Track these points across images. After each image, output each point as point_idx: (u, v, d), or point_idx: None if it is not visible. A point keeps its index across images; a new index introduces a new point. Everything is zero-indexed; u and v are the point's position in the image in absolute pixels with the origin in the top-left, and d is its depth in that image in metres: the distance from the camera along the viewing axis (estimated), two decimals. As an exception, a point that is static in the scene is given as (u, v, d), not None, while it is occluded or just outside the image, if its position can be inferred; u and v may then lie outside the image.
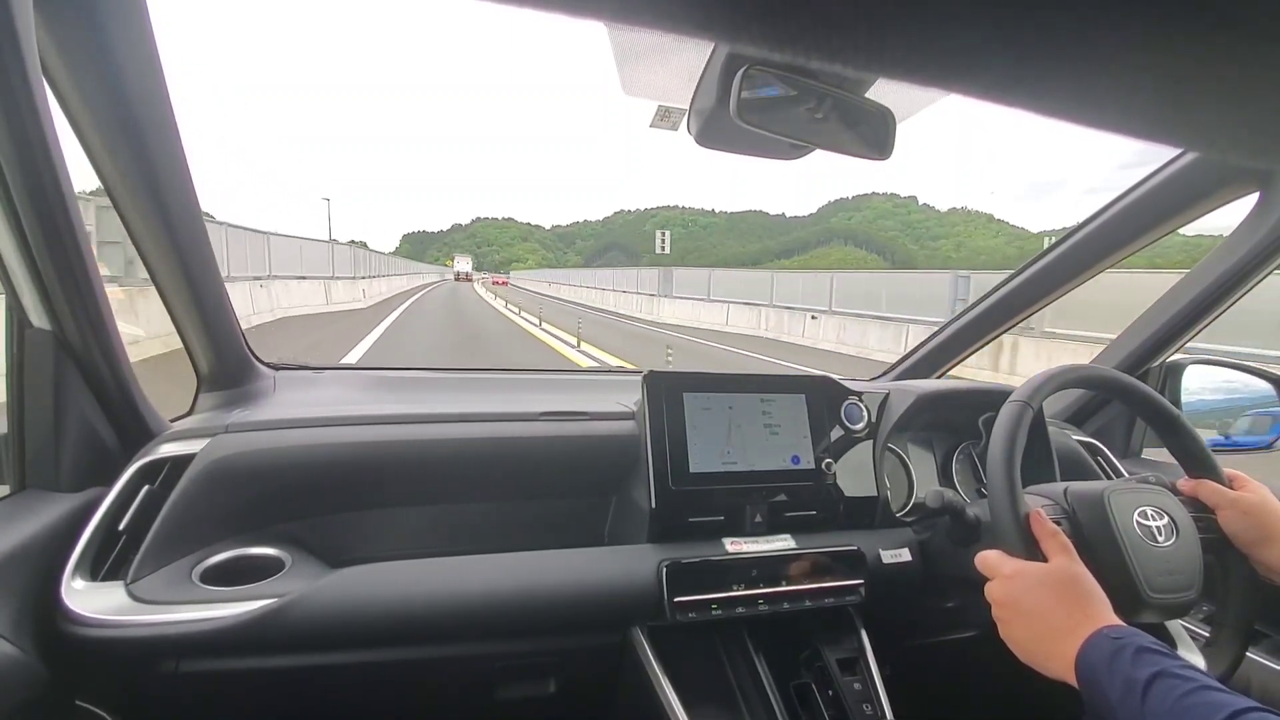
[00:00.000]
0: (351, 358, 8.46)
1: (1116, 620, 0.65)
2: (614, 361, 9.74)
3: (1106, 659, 0.60)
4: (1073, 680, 0.62)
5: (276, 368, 1.19)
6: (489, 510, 1.01)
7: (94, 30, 0.72)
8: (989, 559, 0.76)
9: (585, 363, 9.44)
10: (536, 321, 15.94)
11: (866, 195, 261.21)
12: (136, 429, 0.90)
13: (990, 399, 1.13)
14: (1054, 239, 1.31)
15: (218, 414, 1.01)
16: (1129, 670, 0.58)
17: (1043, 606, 0.68)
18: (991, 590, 0.74)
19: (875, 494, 1.06)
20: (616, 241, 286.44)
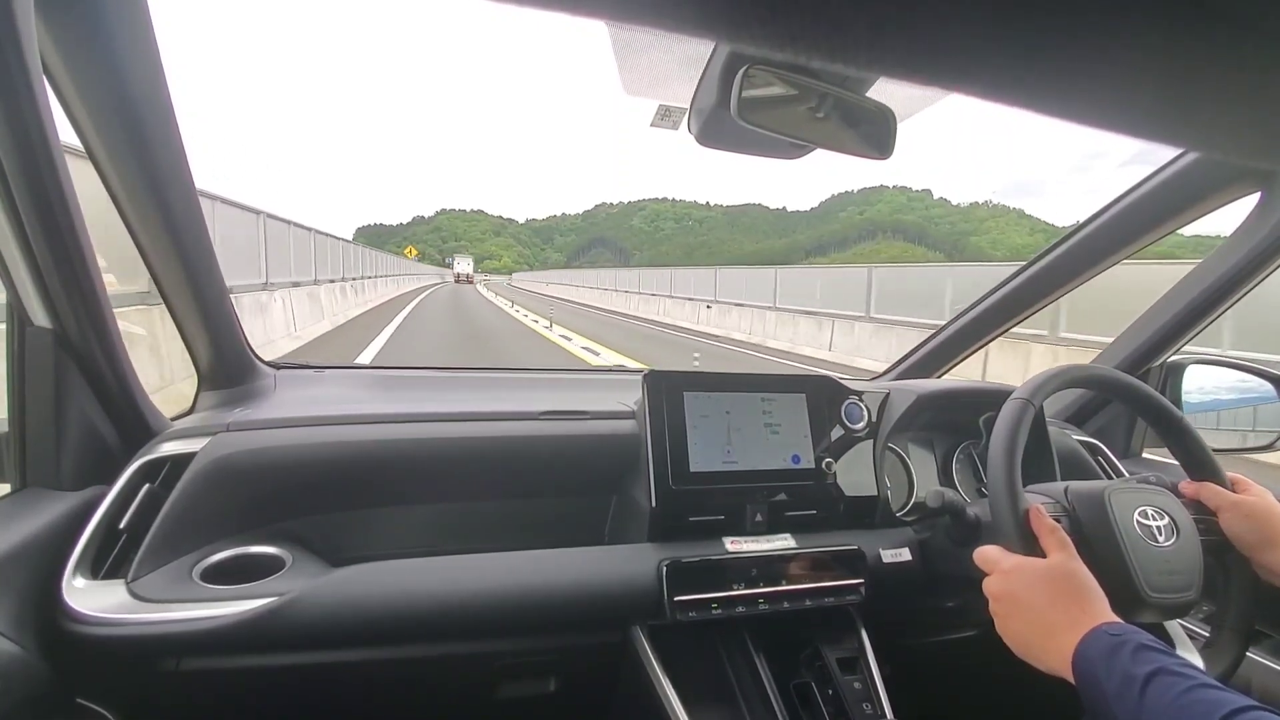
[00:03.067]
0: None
1: (1114, 617, 0.65)
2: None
3: (1104, 655, 0.60)
4: (1069, 675, 0.62)
5: (278, 366, 1.19)
6: (490, 509, 1.01)
7: (95, 29, 0.72)
8: (987, 553, 0.76)
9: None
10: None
11: (875, 188, 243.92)
12: (137, 427, 0.90)
13: (991, 399, 1.13)
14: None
15: (218, 412, 1.01)
16: (1127, 667, 0.57)
17: (1040, 601, 0.68)
18: (989, 585, 0.74)
19: (875, 493, 1.06)
20: (601, 236, 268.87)
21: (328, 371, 1.27)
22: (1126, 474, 1.21)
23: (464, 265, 67.86)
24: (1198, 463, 0.85)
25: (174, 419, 0.99)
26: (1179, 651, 0.77)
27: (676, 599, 0.88)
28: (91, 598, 0.74)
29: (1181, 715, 0.53)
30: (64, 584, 0.74)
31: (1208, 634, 0.85)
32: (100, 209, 0.83)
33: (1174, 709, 0.53)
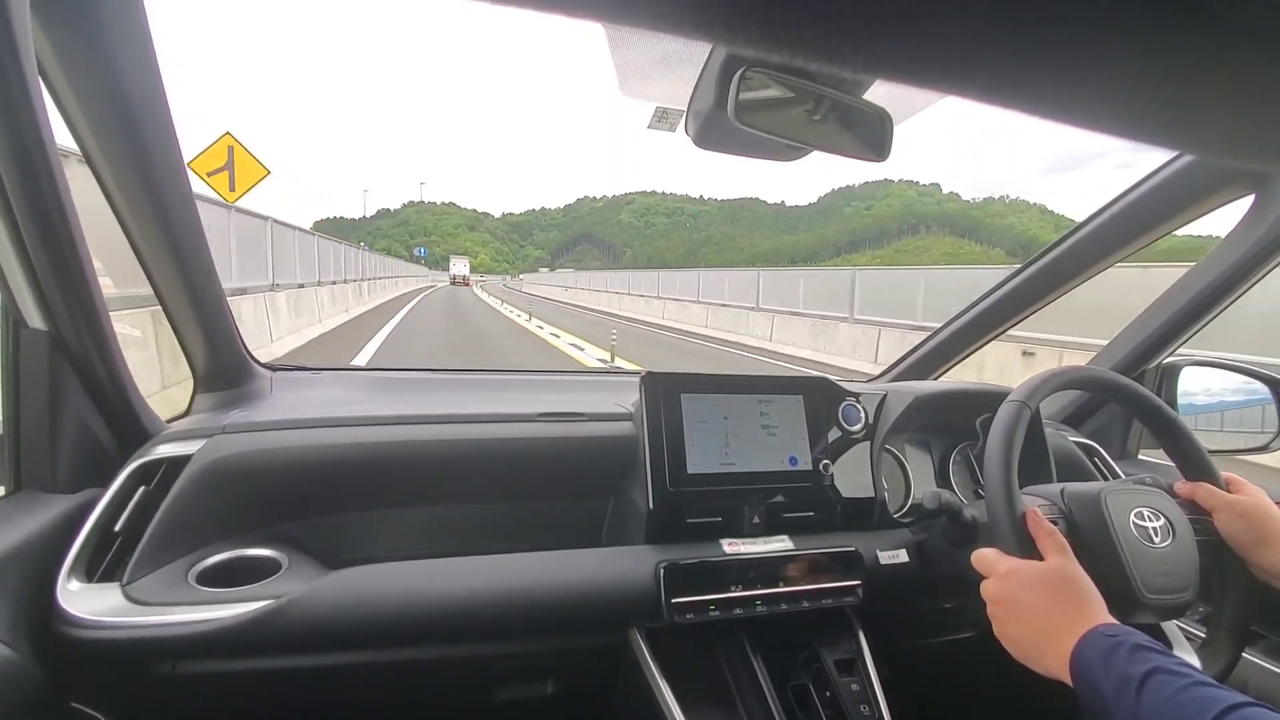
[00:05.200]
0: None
1: (1111, 619, 0.65)
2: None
3: (1101, 656, 0.60)
4: (1067, 678, 0.62)
5: (274, 368, 1.19)
6: (486, 511, 1.01)
7: (91, 31, 0.72)
8: (985, 557, 0.76)
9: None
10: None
11: (879, 183, 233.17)
12: (133, 430, 0.90)
13: (987, 400, 1.13)
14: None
15: (215, 415, 1.01)
16: (1124, 667, 0.58)
17: (1038, 605, 0.68)
18: (987, 588, 0.74)
19: (873, 495, 1.06)
20: (587, 232, 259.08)
21: (324, 373, 1.26)
22: (1123, 475, 1.22)
23: (460, 267, 67.86)
24: (1193, 463, 0.86)
25: (170, 421, 0.99)
26: (1176, 652, 0.77)
27: (674, 601, 0.88)
28: (86, 601, 0.74)
29: (1178, 713, 0.53)
30: (58, 587, 0.73)
31: (1204, 635, 0.86)
32: (96, 211, 0.82)
33: (1170, 707, 0.54)
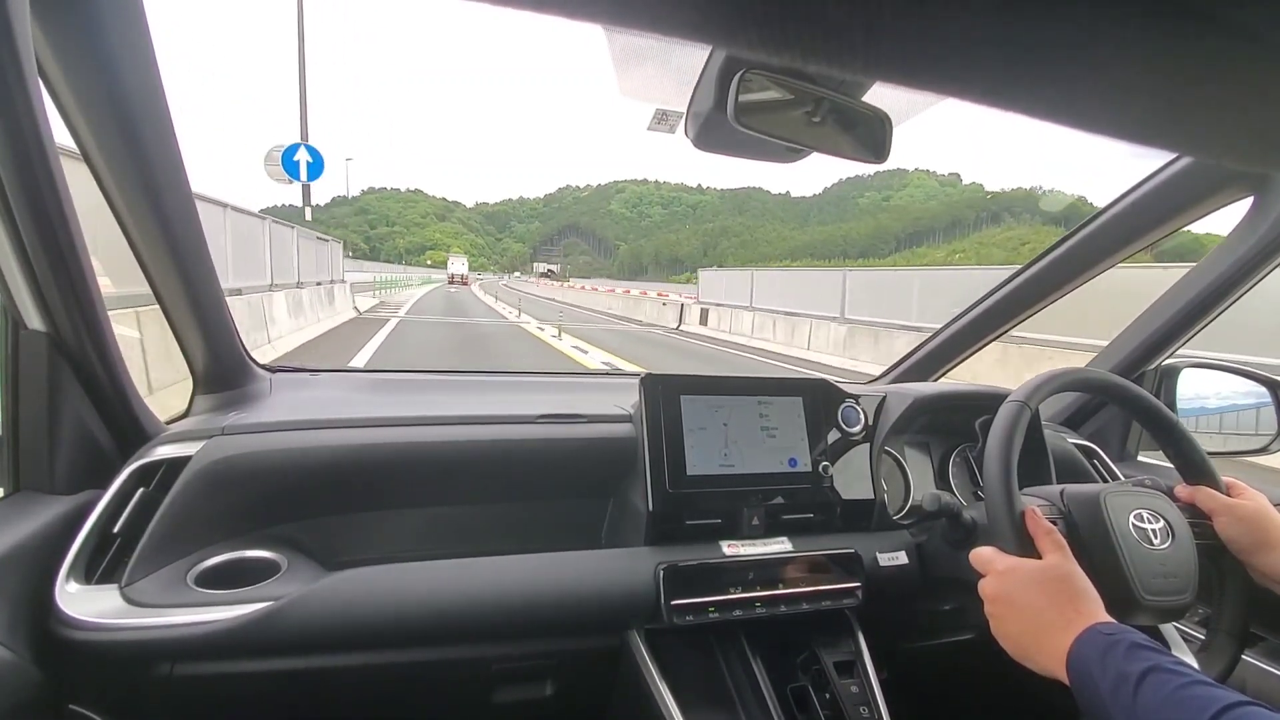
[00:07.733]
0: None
1: (1109, 618, 0.65)
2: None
3: (1099, 654, 0.60)
4: (1064, 676, 0.62)
5: (273, 370, 1.19)
6: (486, 513, 1.01)
7: (91, 31, 0.72)
8: (983, 555, 0.76)
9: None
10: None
11: (894, 172, 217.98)
12: (132, 431, 0.90)
13: (987, 402, 1.14)
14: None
15: (214, 416, 1.01)
16: (1121, 665, 0.58)
17: (1035, 603, 0.68)
18: (985, 586, 0.74)
19: (872, 497, 1.06)
20: (573, 224, 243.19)
21: (323, 375, 1.26)
22: (1122, 477, 1.22)
23: (458, 266, 61.69)
24: (1192, 466, 0.86)
25: (169, 422, 0.99)
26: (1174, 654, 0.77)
27: (673, 603, 0.88)
28: (85, 602, 0.74)
29: (1176, 712, 0.53)
30: (57, 588, 0.73)
31: (1203, 637, 0.86)
32: (95, 209, 0.82)
33: (1168, 706, 0.53)
